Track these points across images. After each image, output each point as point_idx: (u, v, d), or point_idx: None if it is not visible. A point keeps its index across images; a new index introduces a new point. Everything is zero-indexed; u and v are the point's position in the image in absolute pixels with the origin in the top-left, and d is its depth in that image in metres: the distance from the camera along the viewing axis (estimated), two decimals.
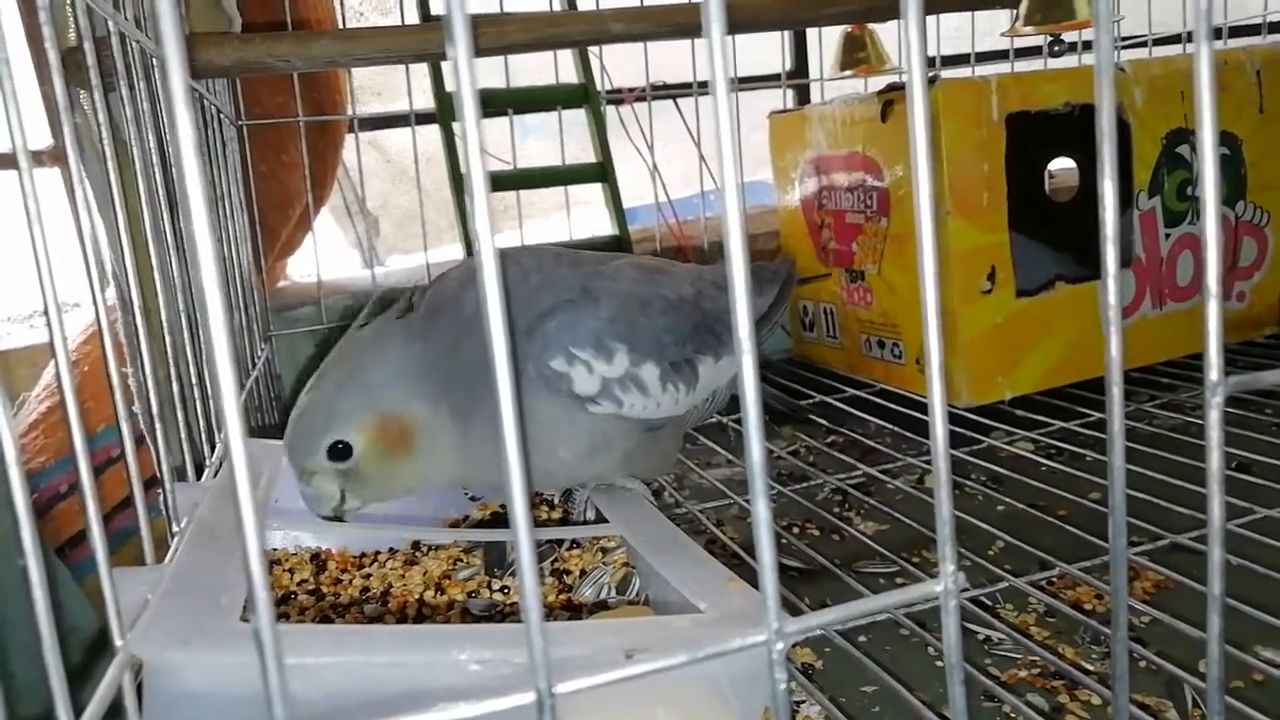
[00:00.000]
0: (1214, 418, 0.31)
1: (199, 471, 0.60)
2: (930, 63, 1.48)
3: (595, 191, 1.30)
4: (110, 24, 0.54)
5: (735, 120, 0.28)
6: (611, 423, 0.61)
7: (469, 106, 0.25)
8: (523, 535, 0.25)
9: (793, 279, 0.79)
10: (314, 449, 0.58)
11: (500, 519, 0.68)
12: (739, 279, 0.28)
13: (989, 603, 0.67)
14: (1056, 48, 0.97)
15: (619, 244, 1.17)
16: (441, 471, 0.60)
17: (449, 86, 1.13)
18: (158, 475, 0.57)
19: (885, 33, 1.24)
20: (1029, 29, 0.90)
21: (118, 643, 0.35)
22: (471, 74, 0.25)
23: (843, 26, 1.28)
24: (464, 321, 0.59)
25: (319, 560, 0.61)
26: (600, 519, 0.62)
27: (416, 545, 0.68)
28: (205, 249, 0.23)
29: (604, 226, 1.32)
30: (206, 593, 0.37)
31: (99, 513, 0.36)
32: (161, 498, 0.56)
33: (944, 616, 0.32)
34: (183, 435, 0.59)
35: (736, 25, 0.90)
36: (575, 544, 0.61)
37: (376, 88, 1.36)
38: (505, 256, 0.65)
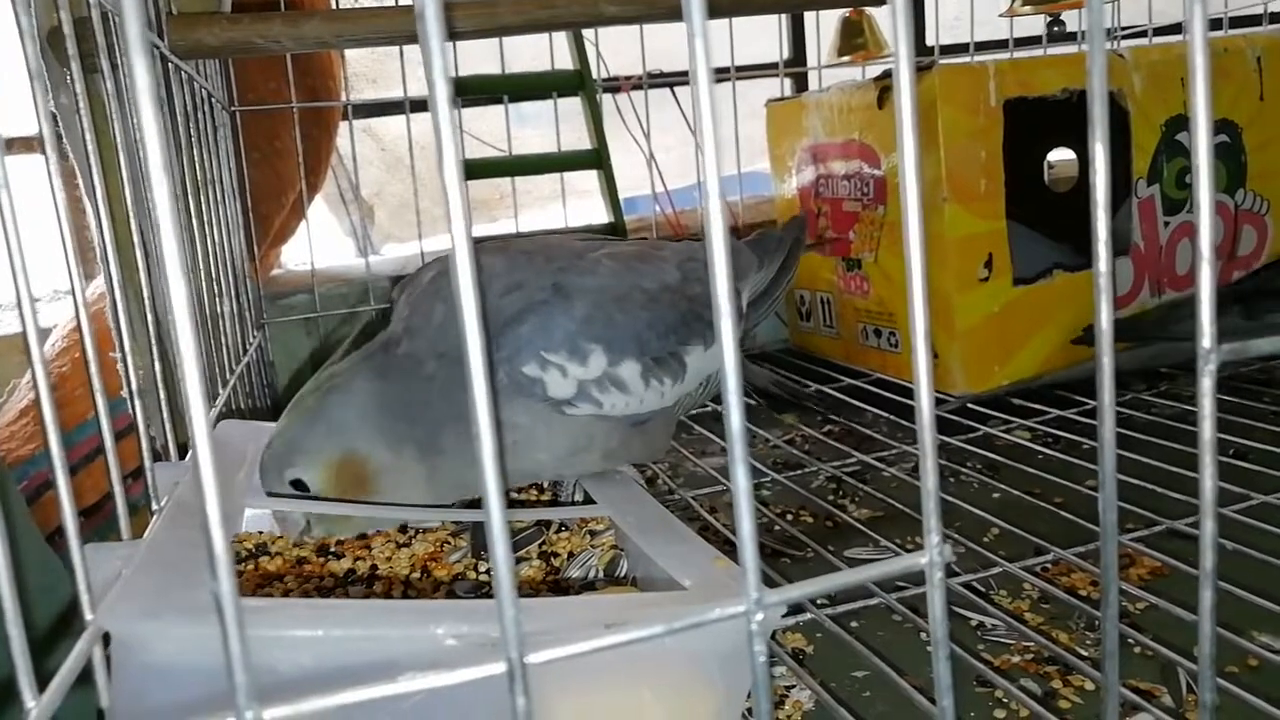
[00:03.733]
0: (1206, 385, 0.31)
1: (182, 451, 0.60)
2: (929, 51, 1.47)
3: (591, 180, 1.30)
4: (95, 15, 0.54)
5: (714, 95, 0.27)
6: (593, 423, 0.60)
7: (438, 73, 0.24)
8: (494, 507, 0.24)
9: (800, 244, 0.77)
10: (277, 480, 0.58)
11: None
12: (718, 245, 0.28)
13: (982, 588, 0.66)
14: (1055, 29, 0.96)
15: (614, 232, 1.16)
16: (415, 497, 0.60)
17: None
18: (140, 470, 0.56)
19: (883, 18, 1.23)
20: (1027, 9, 0.89)
21: (88, 616, 0.35)
22: (441, 33, 0.24)
23: (840, 12, 1.27)
24: (430, 338, 0.59)
25: (305, 544, 0.60)
26: (588, 500, 0.61)
27: (404, 528, 0.67)
28: (165, 209, 0.23)
29: (600, 215, 1.31)
30: (179, 567, 0.37)
31: (69, 488, 0.35)
32: (143, 499, 0.55)
33: (929, 589, 0.31)
34: (165, 415, 0.58)
35: (726, 8, 0.90)
36: (564, 526, 0.60)
37: (371, 74, 1.36)
38: (479, 251, 0.64)
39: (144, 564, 0.37)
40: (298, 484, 0.57)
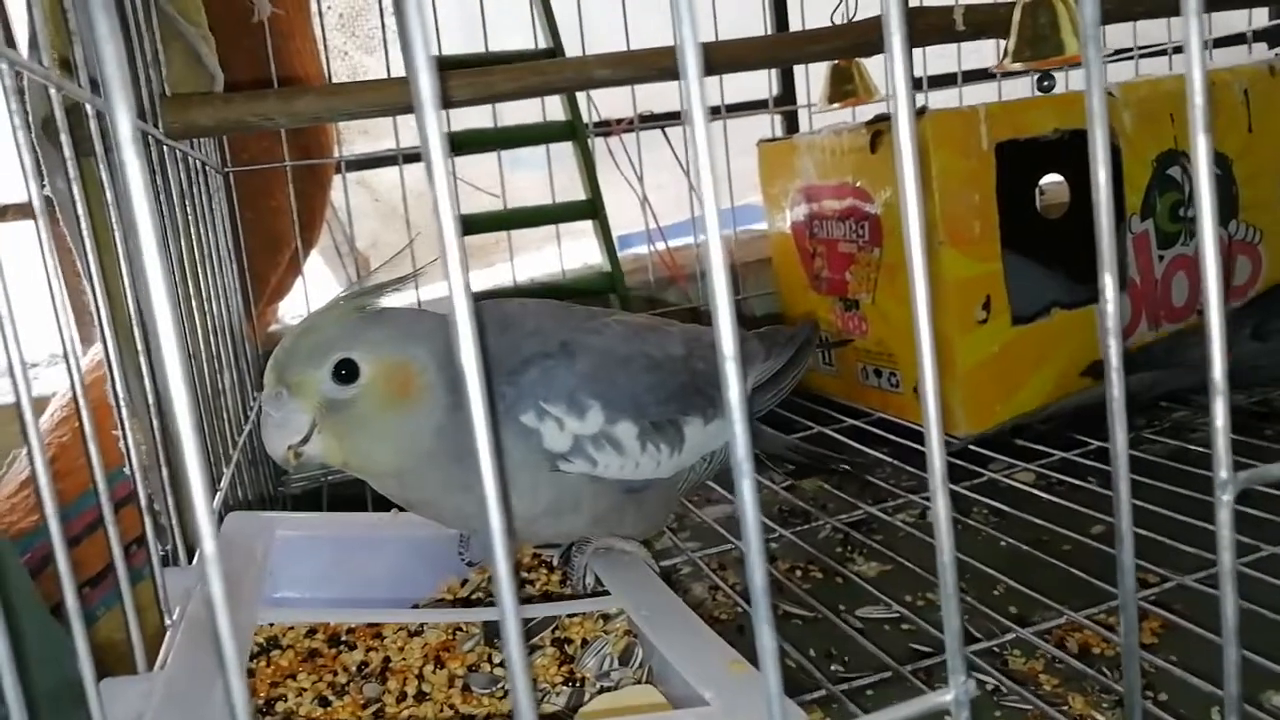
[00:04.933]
0: (1224, 517, 0.31)
1: (190, 553, 0.59)
2: (917, 84, 1.47)
3: (586, 223, 1.30)
4: (88, 107, 0.54)
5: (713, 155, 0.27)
6: (582, 483, 0.59)
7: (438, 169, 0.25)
8: (522, 698, 0.24)
9: (811, 343, 0.78)
10: (320, 361, 0.54)
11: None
12: (724, 316, 0.28)
13: (996, 650, 0.66)
14: (1045, 83, 0.97)
15: (610, 280, 1.16)
16: (416, 450, 0.56)
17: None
18: (144, 538, 0.55)
19: (872, 64, 1.24)
20: (1017, 65, 0.90)
21: None
22: (442, 132, 0.25)
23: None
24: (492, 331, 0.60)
25: (317, 634, 0.60)
26: (599, 584, 0.61)
27: (415, 606, 0.67)
28: (173, 354, 0.23)
29: (595, 258, 1.31)
30: (200, 706, 0.37)
31: (85, 638, 0.35)
32: (148, 569, 0.54)
33: None
34: (173, 515, 0.58)
35: (719, 66, 0.90)
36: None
37: (363, 126, 1.36)
38: (494, 305, 0.64)
39: (164, 704, 0.37)
40: (345, 368, 0.54)
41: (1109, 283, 0.30)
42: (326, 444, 0.55)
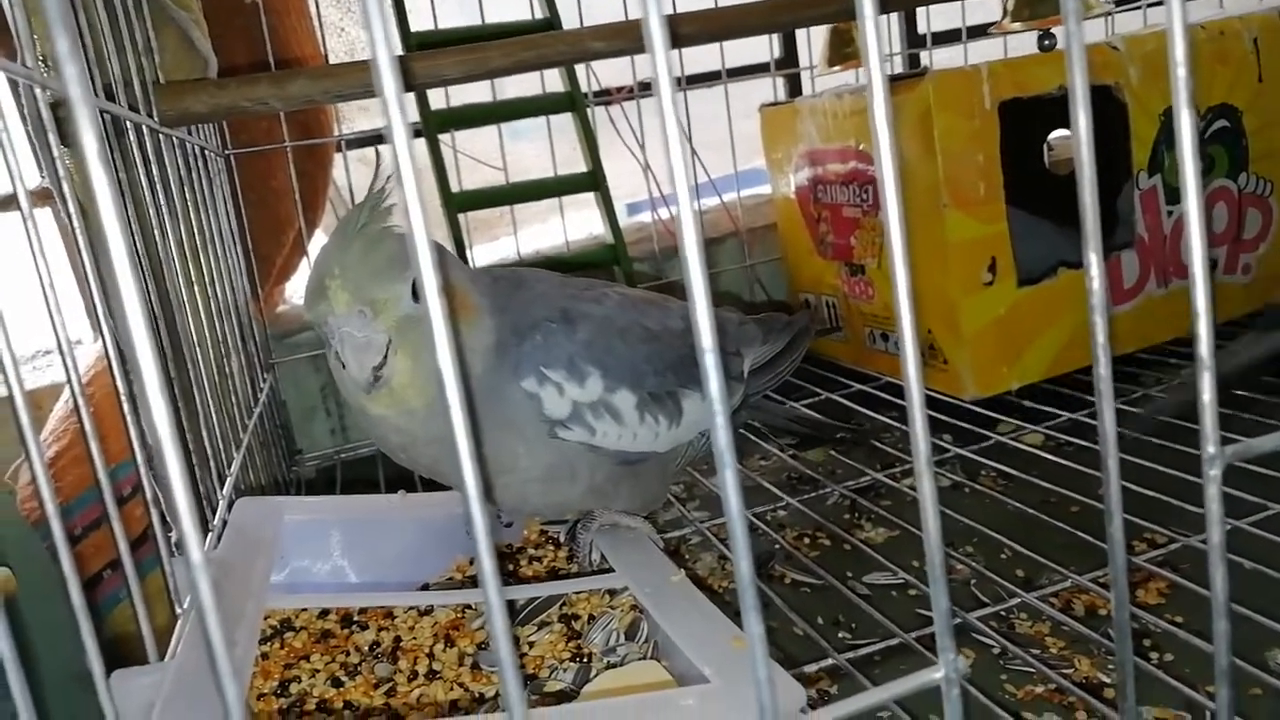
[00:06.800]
0: (1212, 491, 0.31)
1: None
2: (920, 42, 1.45)
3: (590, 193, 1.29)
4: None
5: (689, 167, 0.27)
6: (580, 453, 0.60)
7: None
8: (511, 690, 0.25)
9: (808, 332, 0.78)
10: (403, 275, 0.52)
11: (502, 557, 0.68)
12: (702, 311, 0.28)
13: (1003, 614, 0.67)
14: (1046, 42, 0.95)
15: (613, 252, 1.16)
16: (474, 370, 0.56)
17: (391, 118, 1.11)
18: (150, 531, 0.56)
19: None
20: (1017, 25, 0.88)
21: None
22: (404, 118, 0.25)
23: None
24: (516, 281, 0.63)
25: (329, 615, 0.61)
26: (604, 562, 0.61)
27: (425, 586, 0.68)
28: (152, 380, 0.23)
29: (600, 228, 1.31)
30: (209, 696, 0.37)
31: (92, 631, 0.36)
32: (156, 553, 0.55)
33: (945, 705, 0.32)
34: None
35: (717, 34, 0.89)
36: None
37: (364, 103, 1.35)
38: (492, 274, 0.65)
39: (173, 694, 0.38)
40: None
41: (1094, 260, 0.30)
42: (401, 364, 0.54)
